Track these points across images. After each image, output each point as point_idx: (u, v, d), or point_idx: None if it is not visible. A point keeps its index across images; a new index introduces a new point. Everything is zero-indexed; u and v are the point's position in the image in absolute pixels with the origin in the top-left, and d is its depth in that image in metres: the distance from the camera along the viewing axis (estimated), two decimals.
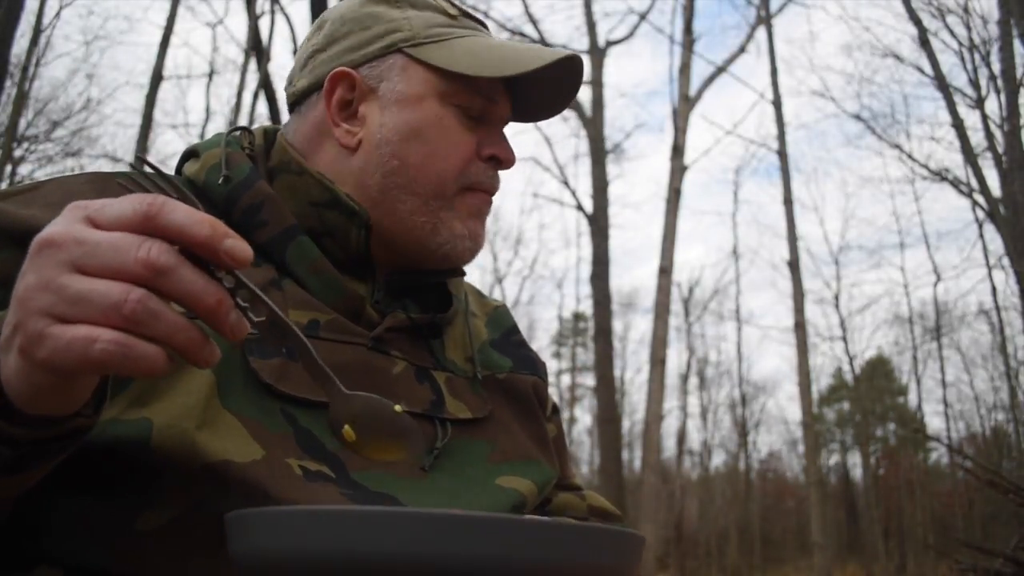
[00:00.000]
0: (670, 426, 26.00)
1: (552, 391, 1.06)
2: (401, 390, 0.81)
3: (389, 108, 0.85)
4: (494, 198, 0.91)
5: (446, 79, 0.84)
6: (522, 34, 14.10)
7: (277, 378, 0.72)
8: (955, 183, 13.26)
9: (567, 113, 14.53)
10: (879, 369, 26.71)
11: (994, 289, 14.85)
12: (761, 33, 13.76)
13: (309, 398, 0.73)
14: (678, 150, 11.57)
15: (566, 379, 28.44)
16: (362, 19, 0.88)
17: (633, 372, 28.64)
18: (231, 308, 0.47)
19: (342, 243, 0.84)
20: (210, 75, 14.75)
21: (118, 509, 0.65)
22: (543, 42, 13.93)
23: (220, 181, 0.81)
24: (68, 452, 0.56)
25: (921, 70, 13.33)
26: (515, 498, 0.84)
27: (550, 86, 0.90)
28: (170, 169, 0.88)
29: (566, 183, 14.56)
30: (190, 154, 0.87)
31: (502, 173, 0.91)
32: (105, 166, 16.56)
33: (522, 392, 0.94)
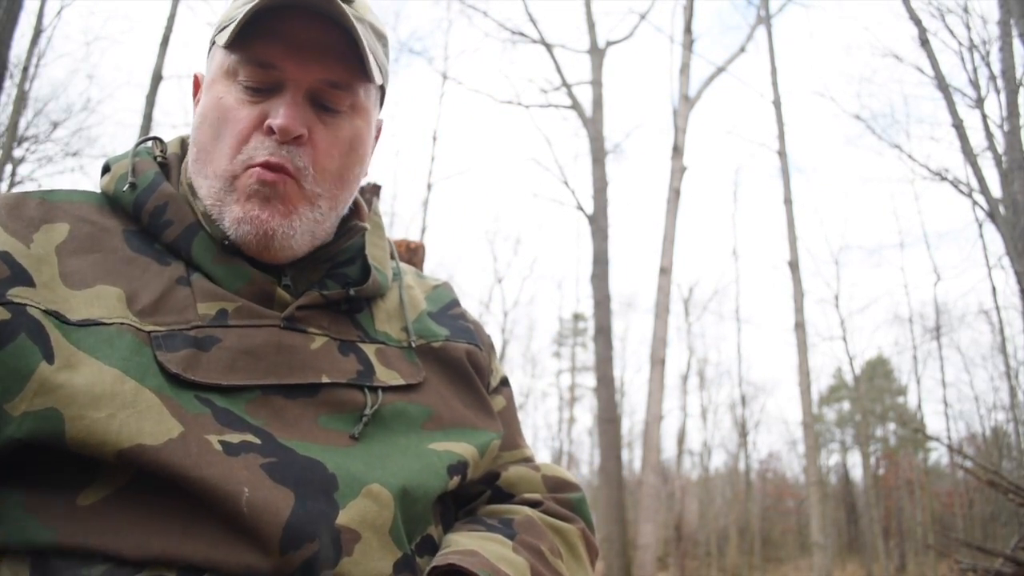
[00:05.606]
0: (670, 426, 26.05)
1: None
2: (323, 363, 0.80)
3: (201, 100, 0.87)
4: (299, 179, 0.81)
5: (227, 56, 0.82)
6: (522, 34, 14.10)
7: (185, 367, 0.72)
8: (955, 183, 13.24)
9: (567, 113, 14.55)
10: (879, 369, 26.71)
11: (994, 289, 14.86)
12: (761, 33, 13.78)
13: (222, 383, 0.73)
14: (678, 150, 11.57)
15: (566, 379, 28.45)
16: None
17: (633, 372, 28.74)
18: None
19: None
20: None
21: (59, 488, 0.66)
22: (543, 42, 13.93)
23: (125, 188, 0.83)
24: None
25: (921, 70, 13.28)
26: (451, 459, 0.83)
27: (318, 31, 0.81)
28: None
29: (566, 183, 14.55)
30: (105, 169, 0.88)
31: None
32: None
33: (455, 359, 0.93)
